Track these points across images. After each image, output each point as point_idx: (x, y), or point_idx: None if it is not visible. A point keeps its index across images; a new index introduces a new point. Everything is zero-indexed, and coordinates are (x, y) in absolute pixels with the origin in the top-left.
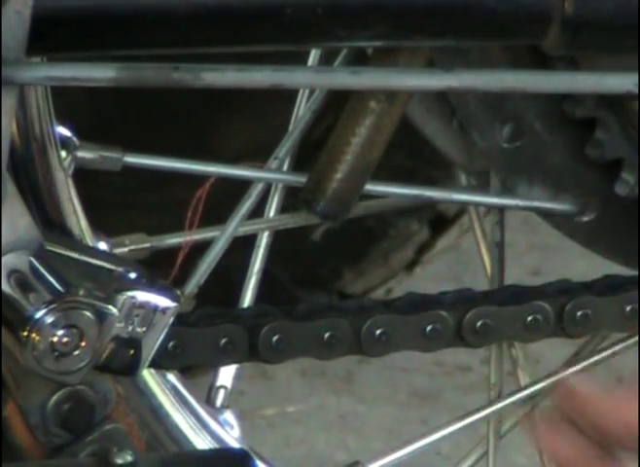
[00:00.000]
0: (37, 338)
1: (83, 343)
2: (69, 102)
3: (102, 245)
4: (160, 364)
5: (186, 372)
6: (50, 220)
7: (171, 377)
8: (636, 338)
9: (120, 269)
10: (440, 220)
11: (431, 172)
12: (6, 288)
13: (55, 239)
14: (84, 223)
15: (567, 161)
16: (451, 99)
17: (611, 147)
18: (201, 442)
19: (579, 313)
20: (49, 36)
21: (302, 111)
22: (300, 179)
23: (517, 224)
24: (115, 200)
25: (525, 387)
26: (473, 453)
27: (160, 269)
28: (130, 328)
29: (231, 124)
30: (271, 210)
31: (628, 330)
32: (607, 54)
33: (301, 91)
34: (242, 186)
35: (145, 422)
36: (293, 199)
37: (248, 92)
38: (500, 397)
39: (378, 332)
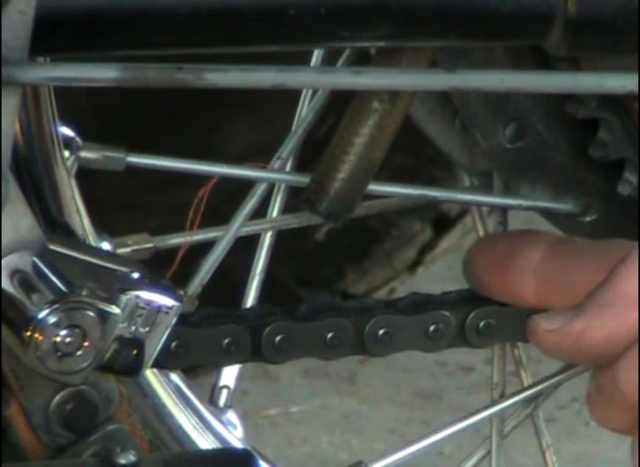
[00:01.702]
0: (40, 338)
1: (86, 343)
2: (72, 102)
3: (105, 245)
4: (162, 364)
5: (189, 372)
6: (53, 220)
7: (174, 377)
8: None
9: (123, 270)
10: (442, 220)
11: (433, 172)
12: (9, 288)
13: (58, 239)
14: (87, 223)
15: (570, 162)
16: (454, 100)
17: (614, 147)
18: (204, 442)
19: None
20: (51, 36)
21: (304, 111)
22: (302, 179)
23: (520, 224)
24: (118, 201)
25: (528, 387)
26: (475, 454)
27: (162, 270)
28: (133, 328)
29: (234, 124)
30: (274, 210)
31: None
32: (609, 55)
33: (303, 92)
34: (245, 186)
35: (148, 422)
36: (296, 200)
37: (251, 93)
38: (503, 397)
39: (381, 332)
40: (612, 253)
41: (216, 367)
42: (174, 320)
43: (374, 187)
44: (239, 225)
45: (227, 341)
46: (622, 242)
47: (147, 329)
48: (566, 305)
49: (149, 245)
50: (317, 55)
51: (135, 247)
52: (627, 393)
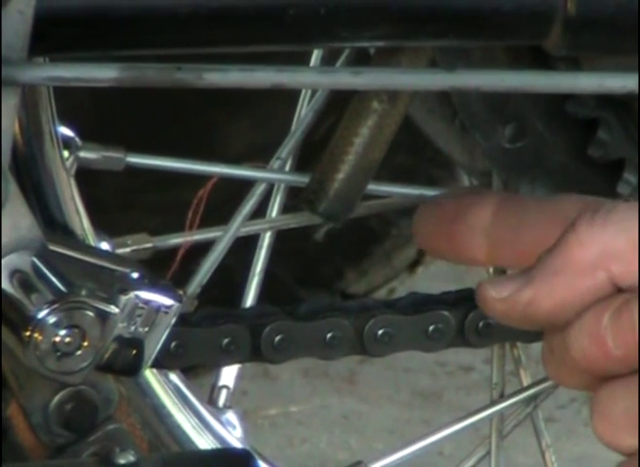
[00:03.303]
0: (39, 338)
1: (85, 343)
2: (72, 102)
3: (104, 245)
4: (162, 364)
5: (188, 372)
6: (52, 220)
7: (173, 377)
8: None
9: (122, 270)
10: None
11: (433, 172)
12: (8, 288)
13: (58, 239)
14: (86, 223)
15: (569, 162)
16: (454, 99)
17: (613, 147)
18: (204, 442)
19: None
20: (51, 36)
21: (304, 111)
22: (302, 179)
23: None
24: (117, 201)
25: (527, 387)
26: (475, 453)
27: (162, 270)
28: (133, 328)
29: (234, 124)
30: (274, 210)
31: None
32: (609, 55)
33: (303, 92)
34: (245, 186)
35: (147, 422)
36: (295, 200)
37: (251, 93)
38: (502, 397)
39: (381, 332)
40: (561, 209)
41: (215, 367)
42: (173, 320)
43: (374, 187)
44: (239, 225)
45: (226, 340)
46: (571, 197)
47: (146, 329)
48: (518, 263)
49: (148, 245)
50: (317, 55)
51: (135, 247)
52: (579, 359)
